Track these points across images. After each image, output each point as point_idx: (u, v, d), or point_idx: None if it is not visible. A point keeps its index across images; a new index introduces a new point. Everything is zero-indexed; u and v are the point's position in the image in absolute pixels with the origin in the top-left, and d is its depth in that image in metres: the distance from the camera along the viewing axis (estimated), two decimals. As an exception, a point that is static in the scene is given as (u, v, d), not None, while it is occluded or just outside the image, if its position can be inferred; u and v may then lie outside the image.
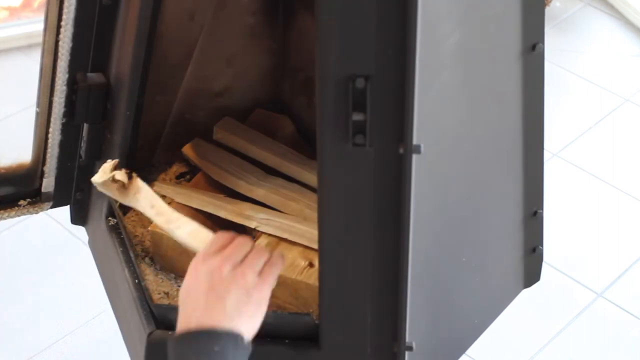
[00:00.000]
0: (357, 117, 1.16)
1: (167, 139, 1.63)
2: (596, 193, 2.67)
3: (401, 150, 1.16)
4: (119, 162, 1.47)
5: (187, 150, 1.59)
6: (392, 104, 1.15)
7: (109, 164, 1.48)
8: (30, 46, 3.03)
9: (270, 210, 1.50)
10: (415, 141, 1.15)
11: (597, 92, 3.00)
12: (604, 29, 3.27)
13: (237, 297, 1.20)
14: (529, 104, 1.43)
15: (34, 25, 3.06)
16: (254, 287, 1.21)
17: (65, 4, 1.43)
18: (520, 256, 1.56)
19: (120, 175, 1.45)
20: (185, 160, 1.62)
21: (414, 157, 1.16)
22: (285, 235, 1.45)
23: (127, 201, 1.46)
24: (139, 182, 1.45)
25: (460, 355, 1.52)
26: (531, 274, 1.60)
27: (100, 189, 1.48)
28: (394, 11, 1.12)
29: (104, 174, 1.47)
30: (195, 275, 1.22)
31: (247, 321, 1.20)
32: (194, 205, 1.49)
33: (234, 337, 1.18)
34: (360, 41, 1.14)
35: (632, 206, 2.63)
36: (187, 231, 1.36)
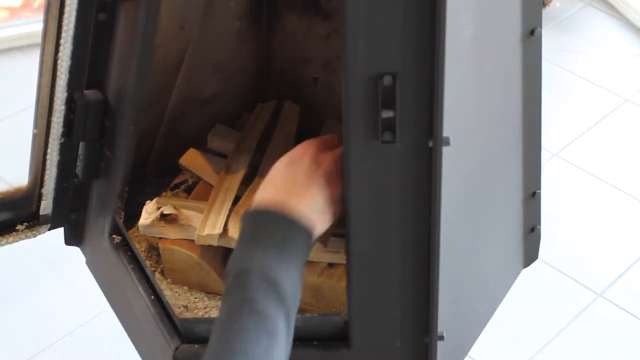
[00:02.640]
0: (386, 114, 1.16)
1: (158, 150, 1.62)
2: (596, 193, 2.67)
3: (430, 144, 1.17)
4: (157, 199, 1.47)
5: (185, 161, 1.58)
6: (420, 98, 1.16)
7: (151, 204, 1.47)
8: (30, 46, 3.03)
9: None
10: (444, 133, 1.16)
11: (597, 92, 3.00)
12: (604, 29, 3.27)
13: (324, 195, 1.20)
14: (528, 88, 1.45)
15: (34, 25, 3.06)
16: (338, 189, 1.22)
17: (65, 22, 1.41)
18: (521, 236, 1.58)
19: (169, 209, 1.45)
20: (178, 170, 1.61)
21: (443, 149, 1.17)
22: None
23: (177, 234, 1.45)
24: (185, 211, 1.45)
25: (474, 341, 1.53)
26: (530, 253, 1.62)
27: (144, 231, 1.47)
28: (420, 8, 1.12)
29: (150, 214, 1.46)
30: (292, 155, 1.24)
31: (326, 220, 1.21)
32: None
33: (308, 235, 1.18)
34: (386, 39, 1.14)
35: (632, 206, 2.63)
36: None
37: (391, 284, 1.28)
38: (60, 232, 2.49)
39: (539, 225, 1.59)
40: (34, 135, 1.52)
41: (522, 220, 1.56)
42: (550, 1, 3.27)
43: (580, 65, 3.10)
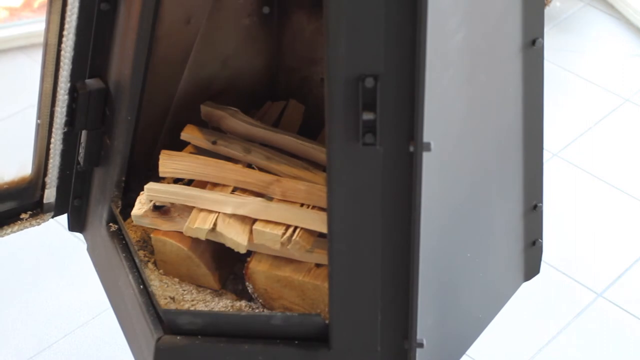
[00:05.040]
0: (367, 116, 1.16)
1: (163, 143, 1.63)
2: (596, 193, 2.67)
3: (411, 148, 1.17)
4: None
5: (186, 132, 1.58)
6: (402, 102, 1.16)
7: (144, 195, 1.48)
8: (30, 46, 3.03)
9: (246, 194, 1.48)
10: (425, 139, 1.16)
11: (597, 92, 3.00)
12: (604, 29, 3.27)
13: None
14: (529, 99, 1.43)
15: (34, 25, 3.06)
16: None
17: (68, 13, 1.43)
18: (521, 250, 1.57)
19: (162, 201, 1.46)
20: None
21: (424, 154, 1.16)
22: (261, 216, 1.44)
23: (169, 226, 1.46)
24: (178, 205, 1.46)
25: (466, 350, 1.52)
26: (531, 267, 1.61)
27: (137, 221, 1.49)
28: (403, 10, 1.12)
29: (143, 205, 1.47)
30: None
31: None
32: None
33: None
34: (368, 41, 1.14)
35: (632, 206, 2.63)
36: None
37: (372, 288, 1.28)
38: (60, 232, 2.49)
39: (541, 239, 1.58)
40: (37, 126, 1.55)
41: (523, 233, 1.55)
42: (550, 1, 3.27)
43: (580, 65, 3.10)
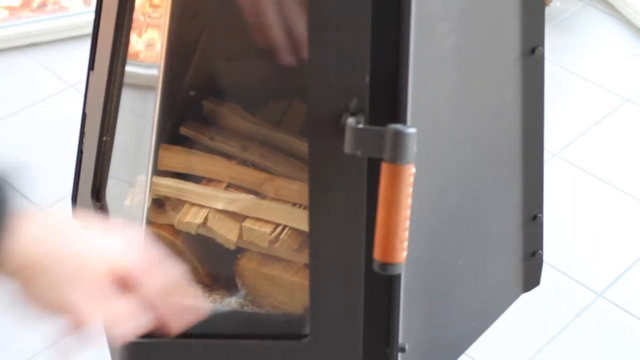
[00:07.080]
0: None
1: (167, 140, 1.63)
2: (596, 193, 2.67)
3: None
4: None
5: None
6: (387, 108, 1.15)
7: (137, 187, 1.49)
8: (29, 45, 3.03)
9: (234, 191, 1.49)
10: None
11: (597, 92, 3.00)
12: (604, 29, 3.27)
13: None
14: (529, 108, 1.42)
15: (34, 24, 3.06)
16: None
17: None
18: (520, 260, 1.56)
19: (157, 194, 1.46)
20: None
21: None
22: (251, 214, 1.45)
23: (163, 219, 1.47)
24: (173, 198, 1.47)
25: (456, 358, 1.52)
26: (531, 278, 1.60)
27: (131, 213, 1.49)
28: (388, 13, 1.12)
29: (135, 197, 1.48)
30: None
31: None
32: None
33: None
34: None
35: (632, 206, 2.63)
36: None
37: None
38: (59, 231, 2.47)
39: (541, 250, 1.56)
40: None
41: (522, 243, 1.54)
42: (550, 1, 3.27)
43: (580, 65, 3.10)
